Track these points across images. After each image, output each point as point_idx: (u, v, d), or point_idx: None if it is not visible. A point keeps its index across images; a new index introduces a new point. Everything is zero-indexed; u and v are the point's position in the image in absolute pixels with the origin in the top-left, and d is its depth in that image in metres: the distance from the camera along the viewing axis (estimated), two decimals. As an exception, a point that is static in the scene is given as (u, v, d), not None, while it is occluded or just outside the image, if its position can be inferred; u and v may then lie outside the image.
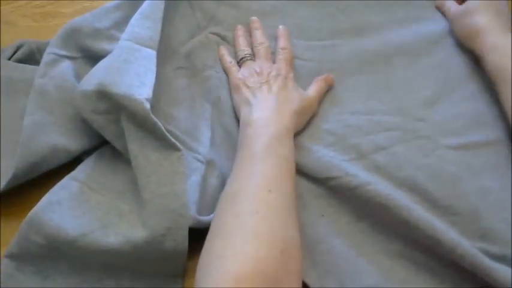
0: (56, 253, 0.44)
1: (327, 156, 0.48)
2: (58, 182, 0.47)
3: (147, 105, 0.44)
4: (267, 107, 0.48)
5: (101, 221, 0.44)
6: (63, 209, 0.44)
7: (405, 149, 0.49)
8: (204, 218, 0.44)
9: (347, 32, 0.60)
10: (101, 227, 0.43)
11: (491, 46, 0.51)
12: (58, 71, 0.52)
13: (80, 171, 0.48)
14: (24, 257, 0.44)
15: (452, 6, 0.59)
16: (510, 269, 0.40)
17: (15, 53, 0.56)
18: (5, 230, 0.47)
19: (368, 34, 0.59)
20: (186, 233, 0.42)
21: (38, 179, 0.49)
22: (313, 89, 0.53)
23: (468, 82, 0.54)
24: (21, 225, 0.44)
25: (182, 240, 0.42)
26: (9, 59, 0.55)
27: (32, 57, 0.56)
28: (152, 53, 0.50)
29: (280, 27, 0.59)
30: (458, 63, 0.55)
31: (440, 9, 0.61)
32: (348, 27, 0.60)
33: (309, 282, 0.43)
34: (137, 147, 0.45)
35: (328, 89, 0.55)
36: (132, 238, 0.42)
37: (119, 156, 0.48)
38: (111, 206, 0.45)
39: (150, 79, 0.47)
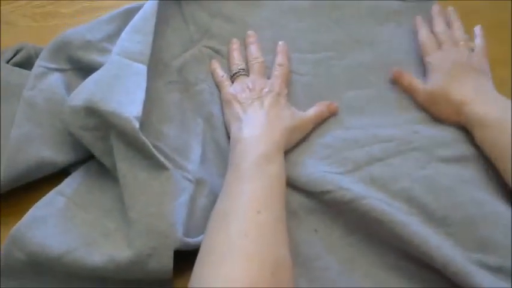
0: (40, 269, 0.43)
1: (321, 171, 0.48)
2: (57, 183, 0.48)
3: (136, 124, 0.44)
4: (257, 124, 0.48)
5: (85, 239, 0.44)
6: (47, 226, 0.44)
7: (401, 160, 0.49)
8: (192, 240, 0.43)
9: (342, 44, 0.59)
10: (85, 245, 0.43)
11: (478, 121, 0.48)
12: (47, 84, 0.51)
13: (67, 185, 0.48)
14: (7, 272, 0.43)
15: (419, 87, 0.54)
16: (507, 285, 0.40)
17: (14, 56, 0.56)
18: (5, 230, 0.47)
19: (363, 47, 0.59)
20: (171, 254, 0.42)
21: (38, 180, 0.49)
22: (313, 111, 0.52)
23: None
24: (5, 240, 0.43)
25: (167, 261, 0.42)
26: (8, 62, 0.55)
27: (29, 62, 0.55)
28: (143, 68, 0.49)
29: (280, 43, 0.58)
30: None
31: (404, 89, 0.55)
32: (343, 39, 0.60)
33: None
34: (126, 166, 0.45)
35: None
36: (116, 258, 0.42)
37: (106, 172, 0.48)
38: (97, 224, 0.45)
39: (140, 96, 0.47)
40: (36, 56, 0.55)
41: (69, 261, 0.42)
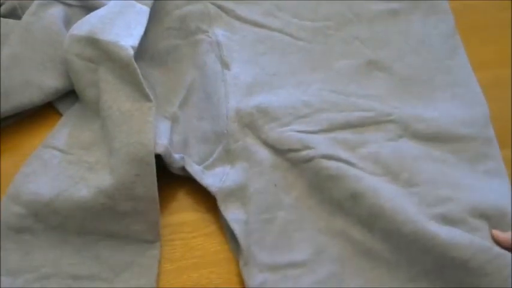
0: (35, 222, 0.44)
1: (293, 131, 0.50)
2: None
3: (131, 52, 0.47)
4: None
5: (72, 179, 0.45)
6: (38, 178, 0.46)
7: (375, 130, 0.51)
8: (175, 155, 0.46)
9: (342, 16, 0.60)
10: (73, 184, 0.45)
11: None
12: (49, 14, 0.53)
13: (49, 137, 0.50)
14: (5, 233, 0.44)
15: None
16: (457, 230, 0.41)
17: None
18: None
19: (361, 21, 0.60)
20: (154, 179, 0.44)
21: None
22: None
23: (455, 85, 0.54)
24: (2, 200, 0.45)
25: (151, 186, 0.44)
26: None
27: (14, 13, 0.55)
28: (146, 9, 0.52)
29: None
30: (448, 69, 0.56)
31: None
32: (343, 11, 0.61)
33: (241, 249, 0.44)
34: (112, 98, 0.47)
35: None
36: (102, 187, 0.43)
37: (82, 116, 0.51)
38: (81, 162, 0.47)
39: (138, 31, 0.50)
40: (20, 8, 0.55)
41: (61, 202, 0.44)
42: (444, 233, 0.41)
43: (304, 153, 0.48)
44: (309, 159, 0.47)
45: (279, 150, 0.49)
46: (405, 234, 0.42)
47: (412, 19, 0.60)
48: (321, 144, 0.48)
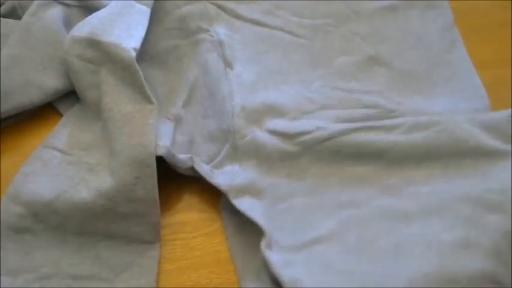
0: (35, 223, 0.44)
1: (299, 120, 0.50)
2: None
3: (133, 54, 0.47)
4: None
5: (73, 180, 0.45)
6: (38, 178, 0.46)
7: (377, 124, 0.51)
8: (179, 155, 0.46)
9: (341, 13, 0.61)
10: (73, 185, 0.45)
11: None
12: (49, 14, 0.53)
13: (50, 138, 0.50)
14: (5, 233, 0.44)
15: None
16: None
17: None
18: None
19: (361, 18, 0.60)
20: (155, 181, 0.44)
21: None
22: None
23: (454, 79, 0.55)
24: (2, 200, 0.45)
25: (152, 189, 0.44)
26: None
27: (13, 13, 0.56)
28: (146, 10, 0.52)
29: None
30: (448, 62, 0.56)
31: None
32: (342, 8, 0.61)
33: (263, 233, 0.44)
34: (113, 100, 0.47)
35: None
36: (102, 189, 0.43)
37: (82, 117, 0.51)
38: (81, 163, 0.47)
39: (139, 32, 0.50)
40: (20, 8, 0.56)
41: (61, 203, 0.44)
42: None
43: (318, 133, 0.48)
44: (326, 139, 0.48)
45: (288, 135, 0.49)
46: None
47: (410, 14, 0.60)
48: (328, 125, 0.49)
